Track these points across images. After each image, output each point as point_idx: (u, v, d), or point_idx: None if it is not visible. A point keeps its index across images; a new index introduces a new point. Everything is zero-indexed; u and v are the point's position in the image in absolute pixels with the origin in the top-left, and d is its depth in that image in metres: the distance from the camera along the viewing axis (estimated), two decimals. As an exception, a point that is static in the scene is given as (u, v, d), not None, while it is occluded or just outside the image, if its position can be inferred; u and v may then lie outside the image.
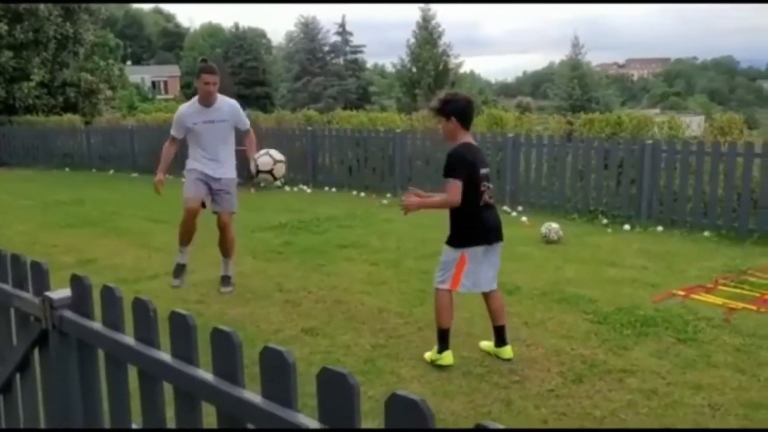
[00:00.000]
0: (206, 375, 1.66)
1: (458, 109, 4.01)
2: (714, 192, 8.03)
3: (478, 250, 4.05)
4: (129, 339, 1.91)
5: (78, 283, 2.15)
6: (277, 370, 1.48)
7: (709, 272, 6.11)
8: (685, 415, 3.44)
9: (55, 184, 13.57)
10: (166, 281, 5.99)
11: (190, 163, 5.84)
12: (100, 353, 2.09)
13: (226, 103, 5.76)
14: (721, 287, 5.58)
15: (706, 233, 7.86)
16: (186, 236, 5.84)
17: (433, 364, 4.04)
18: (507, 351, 4.16)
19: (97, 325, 2.04)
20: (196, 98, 5.74)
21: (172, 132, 5.86)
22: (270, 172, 5.52)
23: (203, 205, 5.83)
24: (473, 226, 4.02)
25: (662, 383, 3.79)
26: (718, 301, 5.20)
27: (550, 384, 3.79)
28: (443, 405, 3.56)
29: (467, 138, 4.08)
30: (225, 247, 5.86)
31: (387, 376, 3.93)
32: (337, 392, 1.34)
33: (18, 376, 2.51)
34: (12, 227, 8.64)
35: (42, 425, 2.46)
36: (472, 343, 4.38)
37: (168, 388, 1.83)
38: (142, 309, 1.87)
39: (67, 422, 2.24)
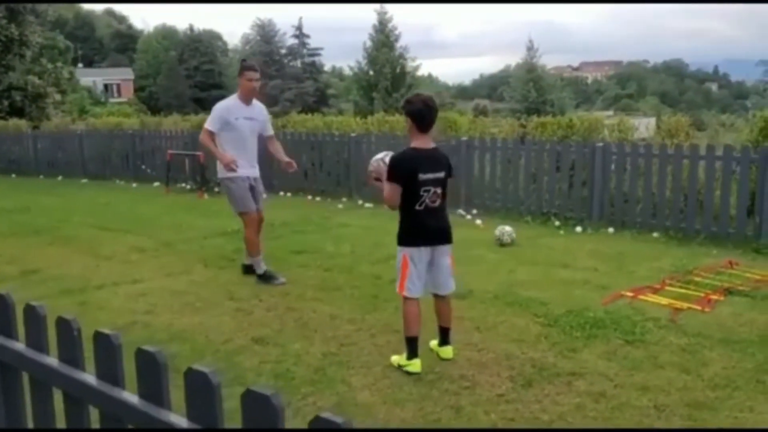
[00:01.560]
0: (131, 397, 1.59)
1: (413, 111, 4.12)
2: (662, 193, 8.20)
3: (421, 251, 4.09)
4: (52, 360, 1.82)
5: (0, 302, 2.05)
6: (201, 392, 1.42)
7: (658, 272, 6.22)
8: (632, 417, 3.47)
9: (-1, 191, 13.14)
10: (113, 291, 5.84)
11: (227, 173, 5.90)
12: (25, 376, 2.00)
13: (259, 105, 6.12)
14: (668, 287, 5.68)
15: (655, 234, 8.02)
16: (257, 245, 6.05)
17: (400, 369, 4.04)
18: (447, 351, 4.24)
19: (19, 346, 1.95)
20: (234, 96, 6.02)
21: (210, 127, 5.83)
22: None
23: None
24: (412, 227, 4.10)
25: (610, 385, 3.82)
26: (665, 301, 5.29)
27: (500, 389, 3.79)
28: (393, 413, 3.54)
29: (418, 141, 4.14)
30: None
31: (337, 385, 3.88)
32: (261, 414, 1.30)
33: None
34: (-48, 237, 8.33)
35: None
36: (422, 349, 4.35)
37: (95, 411, 1.76)
38: (65, 329, 1.78)
39: (-7, 446, 2.14)
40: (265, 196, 6.32)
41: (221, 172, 5.97)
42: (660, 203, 8.20)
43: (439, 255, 4.16)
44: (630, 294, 5.49)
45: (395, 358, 4.16)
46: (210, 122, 5.86)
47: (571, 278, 6.09)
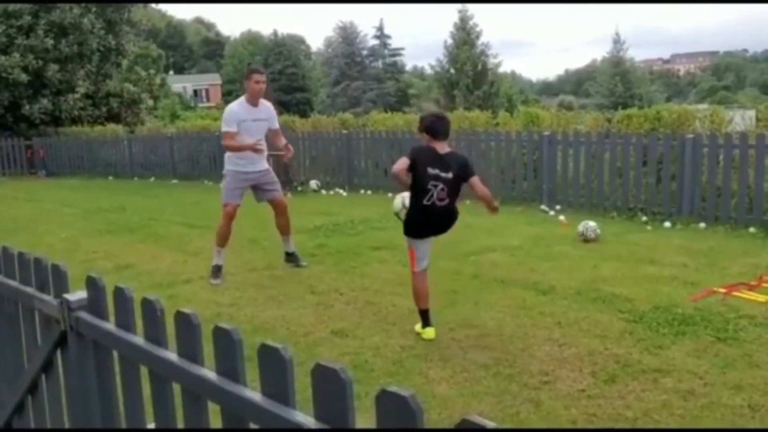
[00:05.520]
0: (209, 374, 1.65)
1: (426, 125, 4.58)
2: (759, 186, 7.77)
3: (417, 240, 4.62)
4: (139, 339, 1.91)
5: (93, 285, 2.17)
6: (274, 368, 1.46)
7: (754, 269, 5.90)
8: (723, 416, 3.31)
9: (98, 192, 13.89)
10: (201, 285, 6.07)
11: (231, 164, 6.30)
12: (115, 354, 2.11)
13: (266, 104, 6.34)
14: (765, 284, 5.38)
15: (752, 229, 7.61)
16: (224, 238, 6.27)
17: (420, 337, 4.52)
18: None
19: (109, 326, 2.05)
20: (243, 98, 6.27)
21: (229, 129, 6.12)
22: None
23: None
24: (415, 221, 4.56)
25: (699, 383, 3.66)
26: (762, 298, 5.01)
27: (582, 384, 3.69)
28: (471, 406, 3.51)
29: (434, 144, 4.52)
30: (286, 226, 6.58)
31: (415, 378, 3.89)
32: (331, 388, 1.32)
33: (43, 376, 2.56)
34: (55, 234, 8.86)
35: (66, 425, 2.50)
36: (502, 344, 4.32)
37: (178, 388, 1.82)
38: (150, 309, 1.87)
39: (87, 422, 2.27)
40: (277, 186, 6.56)
41: (226, 165, 6.34)
42: (757, 197, 7.77)
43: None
44: (723, 290, 5.23)
45: (417, 326, 4.65)
46: (227, 125, 6.11)
47: (658, 274, 5.86)
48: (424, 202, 4.41)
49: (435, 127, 4.55)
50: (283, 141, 6.47)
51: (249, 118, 6.13)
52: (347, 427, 1.31)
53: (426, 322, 4.58)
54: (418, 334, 4.56)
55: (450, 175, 4.40)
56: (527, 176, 10.22)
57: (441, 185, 4.38)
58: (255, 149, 6.04)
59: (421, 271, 4.64)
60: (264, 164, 6.41)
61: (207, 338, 1.71)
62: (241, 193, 6.33)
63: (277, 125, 6.46)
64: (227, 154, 6.35)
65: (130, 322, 1.98)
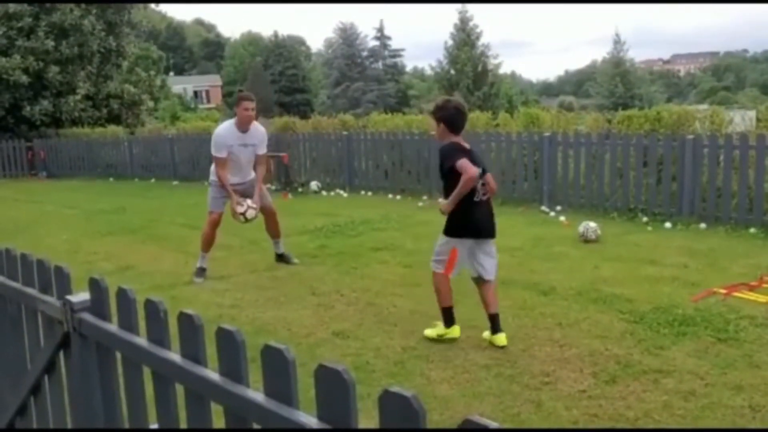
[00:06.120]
0: (212, 375, 1.66)
1: (446, 117, 4.40)
2: (760, 187, 7.77)
3: (467, 242, 4.38)
4: (142, 340, 1.92)
5: (96, 287, 2.18)
6: (277, 369, 1.47)
7: (754, 270, 5.90)
8: (724, 416, 3.31)
9: (98, 193, 13.91)
10: (202, 286, 6.09)
11: (215, 177, 6.42)
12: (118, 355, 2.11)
13: (258, 129, 6.45)
14: (765, 285, 5.39)
15: (752, 230, 7.61)
16: (209, 243, 6.43)
17: (441, 339, 4.38)
18: (501, 338, 4.31)
19: (112, 327, 2.06)
20: (232, 122, 6.37)
21: (219, 154, 6.25)
22: (244, 214, 6.19)
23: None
24: (463, 220, 4.33)
25: (700, 384, 3.66)
26: (762, 299, 5.02)
27: (583, 385, 3.70)
28: (472, 407, 3.52)
29: (455, 139, 4.41)
30: (276, 230, 6.76)
31: (416, 378, 3.89)
32: (334, 389, 1.33)
33: (46, 377, 2.57)
34: (56, 236, 8.87)
35: (69, 426, 2.51)
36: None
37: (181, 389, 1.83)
38: (153, 311, 1.88)
39: (90, 423, 2.28)
40: (265, 192, 6.66)
41: (212, 174, 6.46)
42: (757, 197, 7.78)
43: (485, 244, 4.43)
44: (723, 291, 5.24)
45: (430, 332, 4.48)
46: (216, 151, 6.24)
47: (659, 275, 5.86)
48: (475, 199, 4.30)
49: (457, 122, 4.40)
50: (263, 170, 6.60)
51: (236, 143, 6.25)
52: (350, 427, 1.32)
53: (451, 321, 4.42)
54: (440, 336, 4.40)
55: (482, 170, 4.38)
56: (528, 177, 10.23)
57: (481, 181, 4.35)
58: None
59: (442, 275, 4.47)
60: (250, 174, 6.51)
61: (209, 339, 1.72)
62: (225, 201, 6.40)
63: (263, 151, 6.52)
64: (213, 165, 6.47)
65: (133, 323, 1.99)
